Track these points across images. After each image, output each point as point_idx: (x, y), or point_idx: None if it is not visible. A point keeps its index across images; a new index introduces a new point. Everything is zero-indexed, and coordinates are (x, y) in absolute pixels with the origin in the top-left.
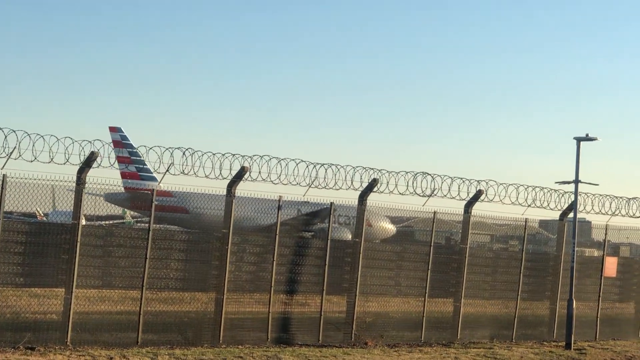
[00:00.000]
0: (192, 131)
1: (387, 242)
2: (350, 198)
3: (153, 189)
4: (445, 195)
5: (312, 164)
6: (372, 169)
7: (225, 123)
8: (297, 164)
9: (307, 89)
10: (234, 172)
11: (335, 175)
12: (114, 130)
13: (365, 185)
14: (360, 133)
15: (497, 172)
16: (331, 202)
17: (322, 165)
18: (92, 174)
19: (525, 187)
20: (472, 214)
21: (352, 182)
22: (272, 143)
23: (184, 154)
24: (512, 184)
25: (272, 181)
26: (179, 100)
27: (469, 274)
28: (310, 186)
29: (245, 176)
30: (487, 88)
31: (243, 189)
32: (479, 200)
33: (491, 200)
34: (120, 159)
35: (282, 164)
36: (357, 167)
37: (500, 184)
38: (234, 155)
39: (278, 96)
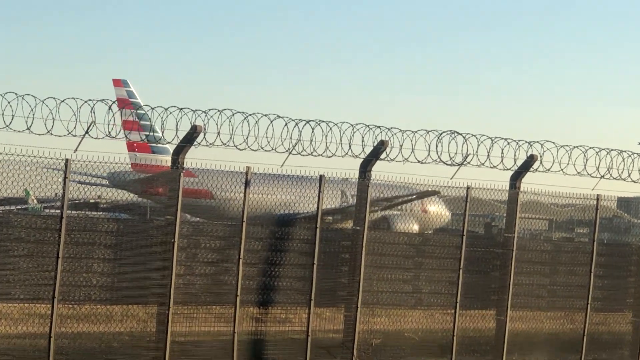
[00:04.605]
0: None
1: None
2: (348, 169)
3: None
4: (482, 164)
5: (293, 120)
6: (379, 127)
7: (173, 71)
8: (271, 121)
9: (284, 16)
10: (182, 134)
11: (325, 136)
12: (118, 84)
13: (369, 150)
14: (360, 78)
15: (557, 131)
16: (321, 175)
17: (307, 122)
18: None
19: (597, 150)
20: (522, 189)
21: (350, 146)
22: (234, 96)
23: (110, 107)
24: (578, 147)
25: (236, 146)
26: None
27: (517, 275)
28: (290, 152)
29: (199, 139)
30: (537, 12)
31: (193, 158)
32: (531, 170)
33: (548, 169)
34: (127, 124)
35: (250, 121)
36: (357, 124)
37: (562, 146)
38: (181, 110)
39: (245, 27)
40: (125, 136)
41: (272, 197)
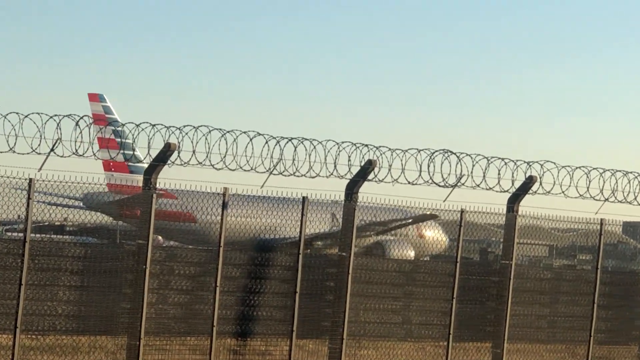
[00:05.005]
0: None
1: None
2: (335, 190)
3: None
4: (478, 185)
5: (274, 138)
6: (367, 145)
7: (149, 86)
8: (250, 139)
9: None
10: (154, 153)
11: (309, 155)
12: (94, 98)
13: (355, 170)
14: (348, 95)
15: (557, 150)
16: (304, 197)
17: (290, 140)
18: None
19: (601, 171)
20: (520, 213)
21: (335, 166)
22: (213, 111)
23: (77, 123)
24: (580, 167)
25: (213, 165)
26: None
27: (515, 305)
28: (271, 172)
29: (172, 157)
30: (536, 23)
31: (167, 178)
32: (530, 192)
33: (548, 192)
34: (102, 142)
35: (228, 139)
36: (342, 143)
37: (563, 167)
38: (153, 126)
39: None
40: (94, 154)
41: (256, 221)
